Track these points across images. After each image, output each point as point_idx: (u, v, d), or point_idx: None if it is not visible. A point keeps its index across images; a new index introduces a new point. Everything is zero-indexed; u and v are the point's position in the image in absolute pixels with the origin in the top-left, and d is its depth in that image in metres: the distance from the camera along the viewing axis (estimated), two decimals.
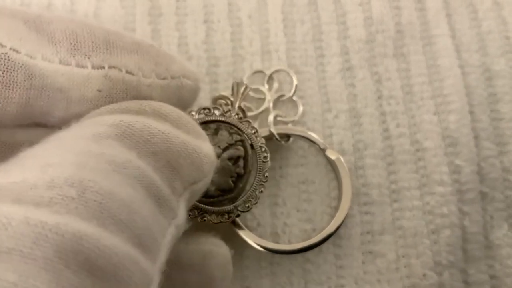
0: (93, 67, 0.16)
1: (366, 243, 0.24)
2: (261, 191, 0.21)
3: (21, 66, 0.15)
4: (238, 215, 0.21)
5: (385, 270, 0.23)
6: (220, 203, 0.21)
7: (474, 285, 0.23)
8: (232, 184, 0.21)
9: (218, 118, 0.21)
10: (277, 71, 0.26)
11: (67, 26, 0.17)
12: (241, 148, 0.21)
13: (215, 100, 0.22)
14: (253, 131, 0.22)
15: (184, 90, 0.18)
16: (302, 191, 0.24)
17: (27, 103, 0.16)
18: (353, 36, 0.27)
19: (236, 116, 0.22)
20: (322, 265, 0.23)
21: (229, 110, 0.22)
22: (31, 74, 0.15)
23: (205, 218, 0.20)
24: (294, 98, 0.25)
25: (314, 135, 0.24)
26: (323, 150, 0.24)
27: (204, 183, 0.17)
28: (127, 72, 0.16)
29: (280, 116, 0.25)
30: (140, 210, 0.13)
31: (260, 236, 0.24)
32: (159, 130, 0.15)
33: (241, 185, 0.21)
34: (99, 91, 0.16)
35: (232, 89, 0.22)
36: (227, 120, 0.21)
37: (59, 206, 0.12)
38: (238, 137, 0.21)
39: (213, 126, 0.21)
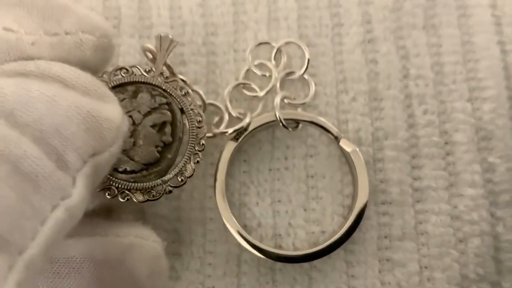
0: None
1: (383, 250, 0.20)
2: (197, 162, 0.18)
3: None
4: (169, 191, 0.18)
5: (405, 282, 0.20)
6: (145, 178, 0.18)
7: None
8: (158, 155, 0.18)
9: (138, 79, 0.18)
10: (286, 43, 0.22)
11: None
12: (167, 112, 0.18)
13: (144, 50, 0.19)
14: (182, 92, 0.18)
15: (85, 48, 0.15)
16: (311, 187, 0.21)
17: None
18: (377, 3, 0.23)
19: (160, 75, 0.18)
20: (330, 273, 0.20)
21: (151, 69, 0.18)
22: None
23: (127, 197, 0.17)
24: (305, 76, 0.22)
25: (326, 122, 0.21)
26: (336, 140, 0.21)
27: (110, 154, 0.14)
28: (4, 29, 0.14)
29: (288, 98, 0.21)
30: None
31: (260, 239, 0.21)
32: (41, 93, 0.13)
33: (169, 156, 0.18)
34: None
35: (156, 44, 0.19)
36: (149, 80, 0.18)
37: None
38: (163, 100, 0.18)
39: (131, 88, 0.18)
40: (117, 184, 0.17)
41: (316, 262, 0.20)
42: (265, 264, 0.20)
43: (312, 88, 0.21)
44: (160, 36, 0.18)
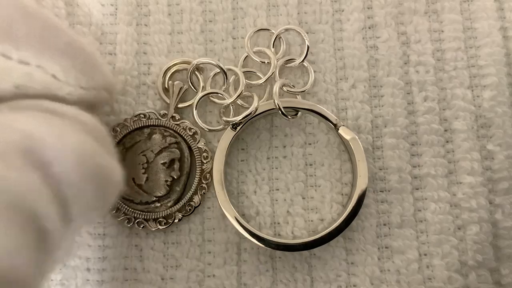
0: (19, 61, 0.15)
1: (383, 237, 0.20)
2: (203, 193, 0.20)
3: None
4: (179, 219, 0.20)
5: (405, 269, 0.20)
6: (157, 208, 0.20)
7: (509, 287, 0.20)
8: (168, 188, 0.20)
9: (153, 123, 0.21)
10: (285, 30, 0.21)
11: (3, 10, 0.15)
12: (176, 150, 0.21)
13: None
14: (191, 132, 0.21)
15: (97, 100, 0.17)
16: (309, 175, 0.21)
17: None
18: None
19: (172, 118, 0.21)
20: (330, 260, 0.20)
21: (165, 114, 0.21)
22: None
23: (143, 225, 0.20)
24: (305, 63, 0.21)
25: (325, 110, 0.21)
26: (335, 128, 0.21)
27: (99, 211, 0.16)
28: (52, 76, 0.15)
29: (288, 85, 0.21)
30: None
31: (259, 227, 0.21)
32: (75, 145, 0.13)
33: (178, 189, 0.20)
34: (17, 87, 0.15)
35: (169, 90, 0.21)
36: (162, 123, 0.21)
37: None
38: (173, 140, 0.21)
39: (146, 130, 0.21)
40: (134, 214, 0.20)
41: (315, 250, 0.20)
42: (265, 252, 0.20)
43: (312, 76, 0.21)
44: (173, 84, 0.21)
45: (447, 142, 0.21)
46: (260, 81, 0.21)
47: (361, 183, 0.20)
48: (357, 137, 0.20)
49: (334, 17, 0.22)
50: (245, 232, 0.19)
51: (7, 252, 0.11)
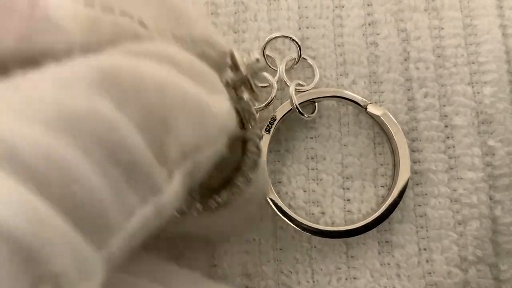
0: (102, 9, 0.12)
1: (382, 232, 0.20)
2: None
3: None
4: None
5: (404, 263, 0.20)
6: None
7: (507, 282, 0.20)
8: None
9: None
10: (270, 40, 0.21)
11: None
12: None
13: None
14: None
15: (205, 61, 0.14)
16: (311, 168, 0.21)
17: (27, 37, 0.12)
18: None
19: None
20: (330, 253, 0.20)
21: None
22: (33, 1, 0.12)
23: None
24: (310, 61, 0.21)
25: (350, 93, 0.21)
26: (364, 108, 0.21)
27: (211, 152, 0.13)
28: (139, 23, 0.13)
29: (300, 85, 0.21)
30: (85, 178, 0.10)
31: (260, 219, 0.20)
32: (154, 77, 0.11)
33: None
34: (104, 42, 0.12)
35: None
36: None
37: None
38: None
39: None
40: None
41: (316, 243, 0.20)
42: (266, 243, 0.20)
43: (317, 73, 0.21)
44: None
45: (448, 138, 0.21)
46: (261, 106, 0.20)
47: (404, 163, 0.20)
48: (388, 112, 0.20)
49: (335, 13, 0.22)
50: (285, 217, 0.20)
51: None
